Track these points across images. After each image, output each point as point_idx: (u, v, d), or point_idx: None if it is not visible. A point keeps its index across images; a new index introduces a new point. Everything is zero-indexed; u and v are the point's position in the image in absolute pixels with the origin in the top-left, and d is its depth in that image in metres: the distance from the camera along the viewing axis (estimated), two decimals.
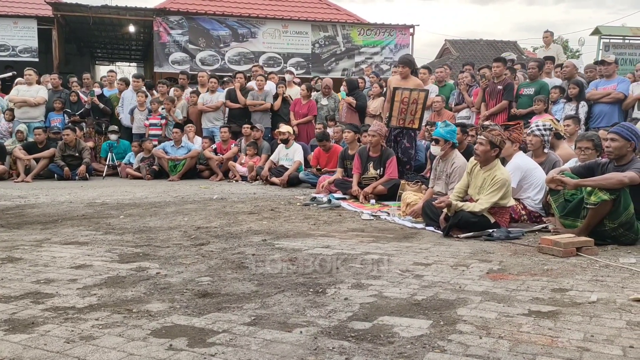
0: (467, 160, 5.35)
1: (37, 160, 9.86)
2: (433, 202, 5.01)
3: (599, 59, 11.45)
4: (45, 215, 5.79)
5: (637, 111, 7.23)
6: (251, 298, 2.92)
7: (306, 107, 10.11)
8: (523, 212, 5.22)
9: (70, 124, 10.44)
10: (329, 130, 9.15)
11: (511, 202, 4.91)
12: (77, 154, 9.89)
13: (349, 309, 2.73)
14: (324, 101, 10.46)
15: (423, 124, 8.13)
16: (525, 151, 5.65)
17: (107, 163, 10.41)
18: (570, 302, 2.81)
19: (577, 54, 30.75)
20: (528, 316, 2.60)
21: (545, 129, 5.62)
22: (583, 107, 7.62)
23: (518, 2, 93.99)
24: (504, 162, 5.42)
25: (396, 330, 2.42)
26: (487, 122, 6.69)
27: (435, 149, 5.87)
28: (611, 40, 14.27)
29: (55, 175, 9.75)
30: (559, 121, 6.60)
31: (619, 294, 2.94)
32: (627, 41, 14.39)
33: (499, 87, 8.28)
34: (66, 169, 9.64)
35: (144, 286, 3.15)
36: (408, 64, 7.69)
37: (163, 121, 10.53)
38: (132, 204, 6.70)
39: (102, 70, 25.83)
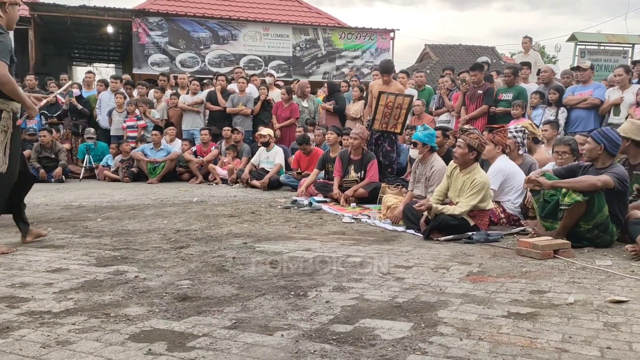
0: (448, 163, 5.40)
1: None
2: (413, 206, 5.03)
3: (575, 64, 11.64)
4: None
5: (613, 116, 7.35)
6: (232, 301, 2.90)
7: (288, 110, 10.09)
8: (502, 215, 5.27)
9: (47, 125, 10.27)
10: (310, 134, 9.14)
11: (490, 205, 4.95)
12: (53, 156, 9.73)
13: (330, 311, 2.73)
14: (304, 103, 10.46)
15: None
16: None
17: (84, 165, 10.26)
18: (549, 304, 2.85)
19: (554, 59, 31.25)
20: (507, 318, 2.63)
21: (517, 131, 5.69)
22: (563, 113, 7.74)
23: (495, 8, 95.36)
24: (487, 165, 5.47)
25: (377, 333, 2.42)
26: (466, 126, 6.75)
27: (413, 152, 5.93)
28: (587, 47, 14.49)
29: None
30: (537, 126, 6.69)
31: (595, 296, 2.99)
32: (602, 47, 14.65)
33: (479, 91, 8.36)
34: (42, 171, 9.47)
35: (122, 290, 3.10)
36: (389, 71, 7.76)
37: (141, 123, 10.41)
38: (110, 206, 6.61)
39: (79, 71, 25.48)
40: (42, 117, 10.63)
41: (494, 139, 5.36)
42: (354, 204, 6.84)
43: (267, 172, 8.70)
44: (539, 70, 9.14)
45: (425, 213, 4.86)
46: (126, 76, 12.22)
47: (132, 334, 2.41)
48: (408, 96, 7.65)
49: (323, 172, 7.78)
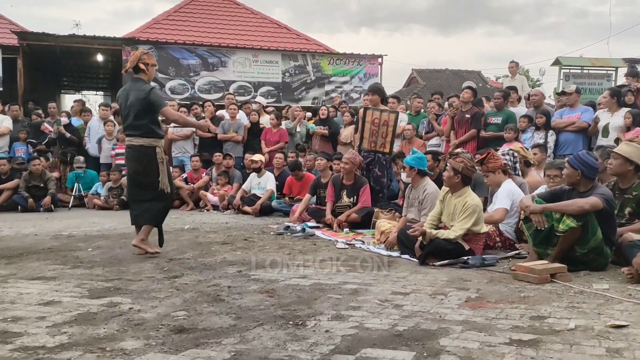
0: (440, 187, 5.42)
1: (0, 191, 9.57)
2: (407, 231, 5.03)
3: (560, 88, 11.81)
4: (10, 249, 5.58)
5: (602, 138, 7.44)
6: (230, 332, 2.85)
7: (277, 135, 10.12)
8: (498, 239, 5.28)
9: (35, 153, 10.21)
10: (300, 160, 9.16)
11: (484, 228, 4.96)
12: (42, 185, 9.63)
13: (330, 341, 2.69)
14: (296, 128, 10.49)
15: (394, 149, 8.21)
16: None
17: (73, 194, 10.15)
18: (550, 330, 2.83)
19: (538, 83, 31.73)
20: (510, 345, 2.60)
21: (502, 155, 5.75)
22: (552, 136, 7.82)
23: (480, 33, 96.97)
24: (480, 189, 5.50)
25: None
26: (458, 150, 6.78)
27: (404, 175, 6.01)
28: (571, 71, 14.75)
29: (19, 207, 9.45)
30: (528, 149, 6.74)
31: (596, 321, 2.98)
32: (586, 71, 14.91)
33: (467, 115, 8.45)
34: (30, 200, 9.37)
35: (116, 323, 3.04)
36: (377, 92, 7.77)
37: None
38: (101, 235, 6.53)
39: (67, 99, 25.40)
40: (29, 145, 10.57)
41: (489, 167, 5.41)
42: (347, 229, 6.81)
43: (259, 198, 8.67)
44: (529, 94, 9.25)
45: (420, 238, 4.86)
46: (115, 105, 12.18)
47: None
48: (393, 112, 7.68)
49: (315, 197, 7.77)
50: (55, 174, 10.21)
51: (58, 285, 3.97)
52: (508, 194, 5.30)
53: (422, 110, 10.30)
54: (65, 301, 3.52)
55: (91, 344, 2.67)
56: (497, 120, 8.37)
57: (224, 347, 2.63)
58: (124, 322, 3.05)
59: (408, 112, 10.26)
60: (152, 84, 15.87)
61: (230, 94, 12.54)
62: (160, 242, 5.39)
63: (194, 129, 10.54)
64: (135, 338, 2.77)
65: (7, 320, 3.10)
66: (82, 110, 11.53)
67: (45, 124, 10.76)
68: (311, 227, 6.80)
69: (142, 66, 5.12)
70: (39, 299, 3.58)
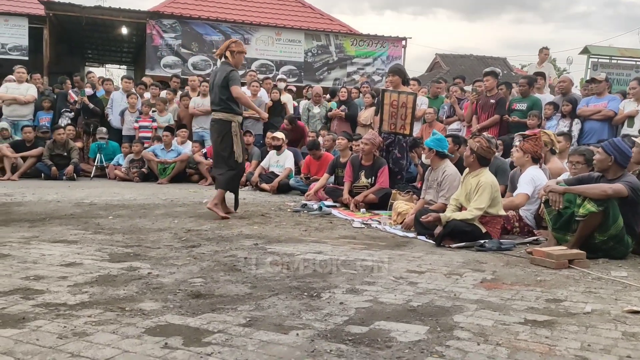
0: (461, 171, 5.40)
1: (24, 158, 9.74)
2: (420, 219, 5.02)
3: (588, 77, 11.59)
4: (33, 214, 5.70)
5: (627, 128, 7.30)
6: (245, 300, 2.90)
7: (296, 132, 10.02)
8: (517, 225, 5.25)
9: (69, 119, 10.48)
10: (319, 139, 9.15)
11: (502, 211, 4.94)
12: (65, 154, 9.77)
13: (344, 313, 2.72)
14: (315, 109, 10.47)
15: (415, 132, 8.16)
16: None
17: (95, 164, 10.30)
18: (565, 313, 2.82)
19: (565, 72, 31.15)
20: (524, 324, 2.60)
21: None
22: (577, 125, 7.69)
23: (507, 20, 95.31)
24: (500, 173, 5.46)
25: (393, 335, 2.41)
26: (485, 133, 6.71)
27: (423, 157, 6.03)
28: (599, 60, 14.46)
29: (42, 175, 9.62)
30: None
31: (612, 306, 2.96)
32: (614, 61, 14.61)
33: (492, 100, 8.32)
34: (54, 168, 9.52)
35: (136, 285, 3.11)
36: (398, 73, 7.67)
37: (154, 124, 10.47)
38: (121, 205, 6.63)
39: (91, 71, 25.62)
40: (65, 113, 10.74)
41: (523, 146, 5.36)
42: (364, 209, 6.82)
43: (277, 175, 8.70)
44: (557, 80, 9.07)
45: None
46: (148, 79, 12.26)
47: (148, 327, 2.41)
48: (411, 94, 7.62)
49: (333, 177, 7.78)
50: (78, 144, 10.34)
51: (79, 249, 4.06)
52: (531, 180, 5.25)
53: (444, 95, 10.19)
54: (87, 263, 3.60)
55: (111, 304, 2.74)
56: (522, 106, 8.23)
57: (239, 312, 2.67)
58: (143, 285, 3.12)
59: (428, 95, 10.16)
60: (174, 58, 15.77)
61: (252, 71, 12.52)
62: (236, 206, 6.18)
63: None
64: (153, 300, 2.83)
65: (30, 278, 3.18)
66: (103, 80, 11.64)
67: (71, 93, 10.89)
68: (328, 206, 6.83)
69: (227, 53, 5.94)
70: (60, 260, 3.67)
